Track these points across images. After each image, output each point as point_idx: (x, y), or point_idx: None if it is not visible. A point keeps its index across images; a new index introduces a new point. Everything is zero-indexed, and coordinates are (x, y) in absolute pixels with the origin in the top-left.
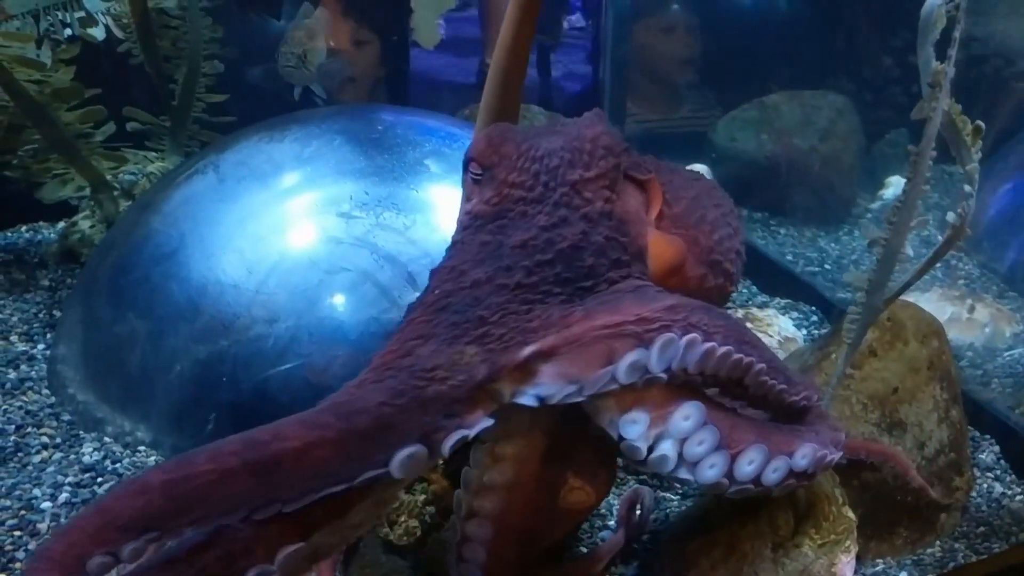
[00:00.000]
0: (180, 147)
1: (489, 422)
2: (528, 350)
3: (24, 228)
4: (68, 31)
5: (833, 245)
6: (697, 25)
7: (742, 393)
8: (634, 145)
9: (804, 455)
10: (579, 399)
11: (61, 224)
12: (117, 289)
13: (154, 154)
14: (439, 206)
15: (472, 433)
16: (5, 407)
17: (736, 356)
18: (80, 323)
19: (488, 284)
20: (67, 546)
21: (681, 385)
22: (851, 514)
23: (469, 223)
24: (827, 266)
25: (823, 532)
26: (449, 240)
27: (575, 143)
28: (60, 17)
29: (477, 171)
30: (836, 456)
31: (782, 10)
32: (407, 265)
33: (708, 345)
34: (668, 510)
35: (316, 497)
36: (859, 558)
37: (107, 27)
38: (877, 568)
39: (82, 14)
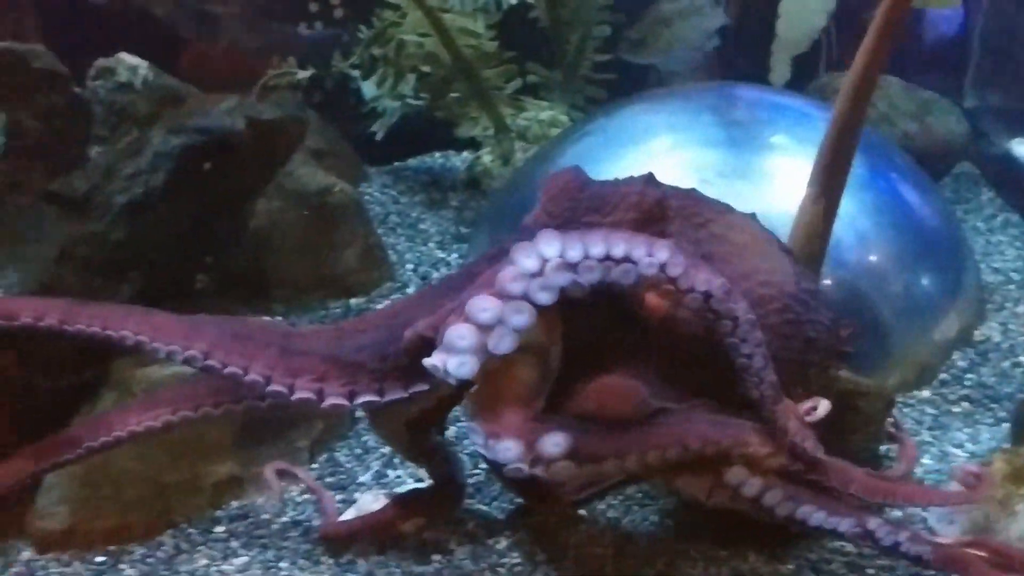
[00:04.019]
0: (568, 98)
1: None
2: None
3: (438, 155)
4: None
5: None
6: None
7: None
8: (987, 118)
9: None
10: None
11: (465, 153)
12: (519, 224)
13: (545, 103)
14: (784, 180)
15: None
16: None
17: None
18: (487, 245)
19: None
20: None
21: None
22: None
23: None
24: None
25: None
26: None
27: (608, 193)
28: None
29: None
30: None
31: None
32: None
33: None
34: None
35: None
36: None
37: None
38: None
39: None
